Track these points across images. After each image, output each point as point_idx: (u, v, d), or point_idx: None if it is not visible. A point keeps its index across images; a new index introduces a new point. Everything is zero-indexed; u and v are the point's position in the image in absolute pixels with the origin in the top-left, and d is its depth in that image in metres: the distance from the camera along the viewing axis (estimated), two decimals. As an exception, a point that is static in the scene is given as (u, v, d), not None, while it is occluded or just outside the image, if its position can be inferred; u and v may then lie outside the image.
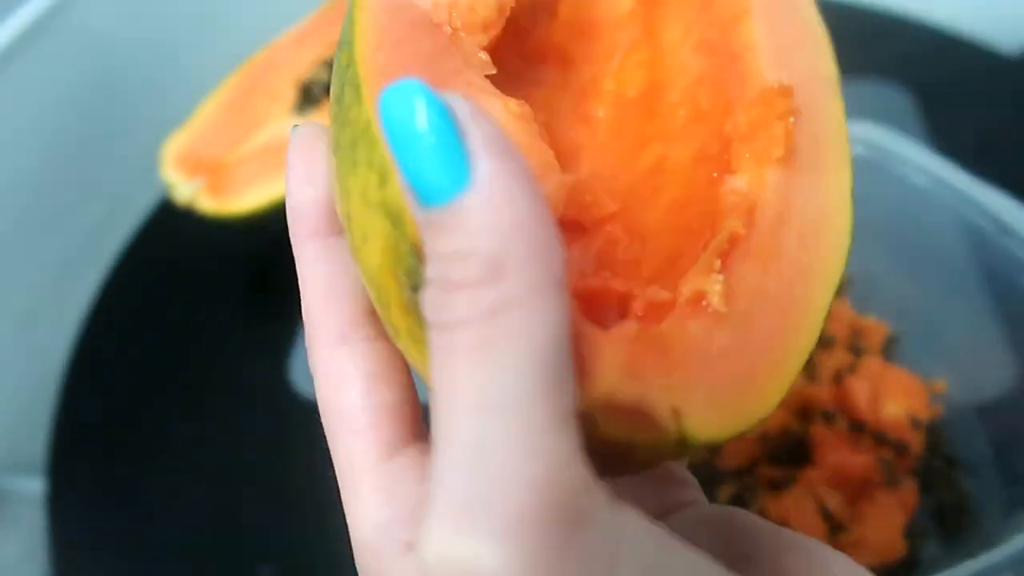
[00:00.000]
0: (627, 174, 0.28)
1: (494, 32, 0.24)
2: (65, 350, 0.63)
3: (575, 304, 0.21)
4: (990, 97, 0.71)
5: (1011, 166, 0.54)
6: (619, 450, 0.19)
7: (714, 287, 0.22)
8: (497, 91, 0.23)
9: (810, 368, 0.53)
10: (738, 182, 0.25)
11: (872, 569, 0.46)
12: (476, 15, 0.24)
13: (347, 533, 0.21)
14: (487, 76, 0.24)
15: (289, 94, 0.67)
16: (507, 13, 0.25)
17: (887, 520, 0.46)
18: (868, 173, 0.52)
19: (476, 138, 0.17)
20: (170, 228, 0.68)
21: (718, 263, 0.22)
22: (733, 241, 0.23)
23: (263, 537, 0.53)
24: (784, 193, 0.24)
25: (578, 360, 0.19)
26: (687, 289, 0.22)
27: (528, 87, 0.29)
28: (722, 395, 0.21)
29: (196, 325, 0.65)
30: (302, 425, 0.37)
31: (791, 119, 0.25)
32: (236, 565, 0.52)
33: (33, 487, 0.58)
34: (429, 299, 0.17)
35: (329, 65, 0.66)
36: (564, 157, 0.28)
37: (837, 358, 0.53)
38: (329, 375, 0.22)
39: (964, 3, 0.77)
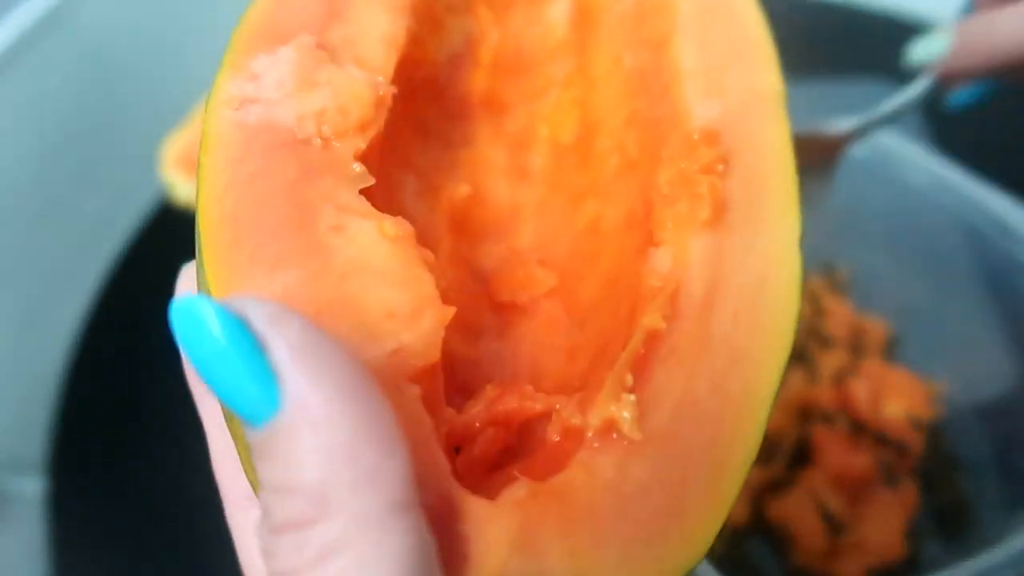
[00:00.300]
0: (566, 234, 0.26)
1: (374, 130, 0.22)
2: (65, 350, 0.63)
3: (490, 436, 0.19)
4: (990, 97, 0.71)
5: (1011, 166, 0.54)
6: None
7: (623, 414, 0.18)
8: (373, 211, 0.20)
9: (810, 369, 0.53)
10: (660, 260, 0.21)
11: (872, 569, 0.46)
12: (348, 119, 0.21)
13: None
14: (370, 186, 0.21)
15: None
16: (388, 103, 0.22)
17: (887, 520, 0.46)
18: (868, 173, 0.52)
19: (280, 351, 0.15)
20: (170, 228, 0.68)
21: (630, 379, 0.19)
22: (652, 340, 0.20)
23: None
24: (714, 264, 0.21)
25: (456, 545, 0.17)
26: (595, 418, 0.19)
27: (456, 149, 0.27)
28: (639, 548, 0.17)
29: (196, 325, 0.65)
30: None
31: (719, 167, 0.22)
32: (237, 565, 0.52)
33: (33, 487, 0.58)
34: (261, 537, 0.16)
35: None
36: (504, 222, 0.26)
37: (837, 358, 0.53)
38: (244, 538, 0.22)
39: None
